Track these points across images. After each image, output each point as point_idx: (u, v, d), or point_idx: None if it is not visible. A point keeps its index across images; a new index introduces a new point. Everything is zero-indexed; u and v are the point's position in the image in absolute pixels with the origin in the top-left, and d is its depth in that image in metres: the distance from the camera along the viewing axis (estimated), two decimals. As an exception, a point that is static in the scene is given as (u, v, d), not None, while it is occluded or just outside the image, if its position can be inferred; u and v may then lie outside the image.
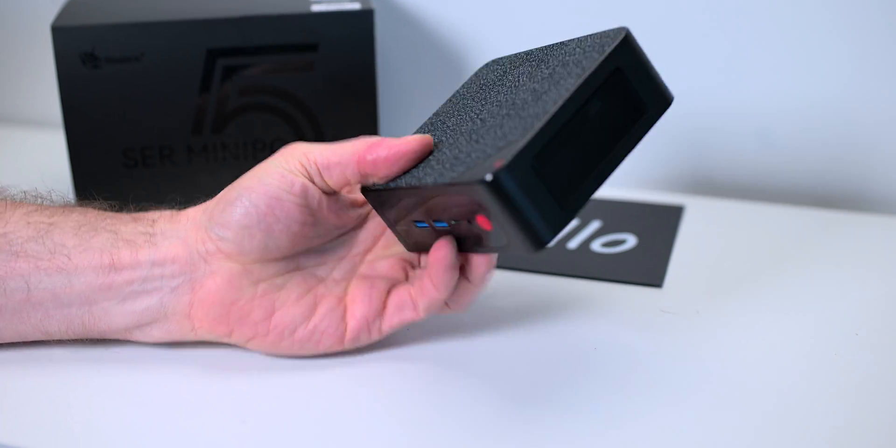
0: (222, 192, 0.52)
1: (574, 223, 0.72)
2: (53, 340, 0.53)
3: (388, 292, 0.53)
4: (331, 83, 0.69)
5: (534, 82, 0.49)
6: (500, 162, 0.43)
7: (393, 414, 0.50)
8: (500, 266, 0.64)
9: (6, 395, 0.51)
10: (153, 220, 0.53)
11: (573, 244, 0.68)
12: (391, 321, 0.53)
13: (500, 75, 0.54)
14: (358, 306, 0.53)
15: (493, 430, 0.48)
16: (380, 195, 0.51)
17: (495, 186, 0.43)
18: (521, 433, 0.48)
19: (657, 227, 0.71)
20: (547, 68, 0.49)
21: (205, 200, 0.54)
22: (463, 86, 0.56)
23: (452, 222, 0.48)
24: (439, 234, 0.50)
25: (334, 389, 0.51)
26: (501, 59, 0.56)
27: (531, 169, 0.44)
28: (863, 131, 0.75)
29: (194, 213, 0.53)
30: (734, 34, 0.75)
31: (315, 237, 0.53)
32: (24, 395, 0.51)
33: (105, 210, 0.55)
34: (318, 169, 0.51)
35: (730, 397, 0.51)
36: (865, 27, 0.72)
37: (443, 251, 0.50)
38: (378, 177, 0.50)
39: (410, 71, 0.82)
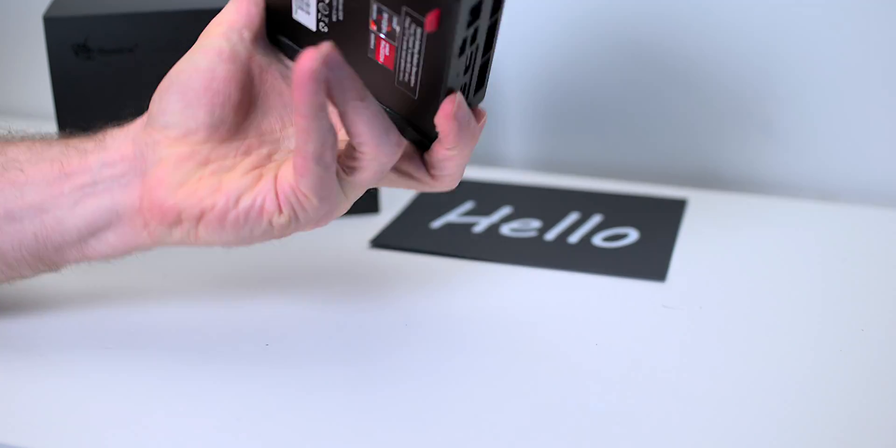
0: (158, 86, 0.52)
1: (575, 217, 0.72)
2: (14, 275, 0.53)
3: None
4: (327, 75, 0.68)
5: None
6: None
7: (390, 412, 0.49)
8: (499, 261, 0.64)
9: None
10: (105, 131, 0.53)
11: (574, 238, 0.68)
12: None
13: None
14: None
15: (491, 429, 0.48)
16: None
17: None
18: (516, 429, 0.48)
19: (659, 220, 0.71)
20: None
21: None
22: None
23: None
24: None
25: (332, 388, 0.51)
26: None
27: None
28: (866, 126, 0.75)
29: (143, 117, 0.53)
30: (738, 27, 0.75)
31: (261, 106, 0.52)
32: (16, 391, 0.51)
33: None
34: (234, 27, 0.51)
35: (733, 394, 0.51)
36: (869, 15, 0.72)
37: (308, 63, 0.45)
38: None
39: None
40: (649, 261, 0.65)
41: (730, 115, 0.77)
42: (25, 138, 0.55)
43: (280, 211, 0.49)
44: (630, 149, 0.80)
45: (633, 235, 0.69)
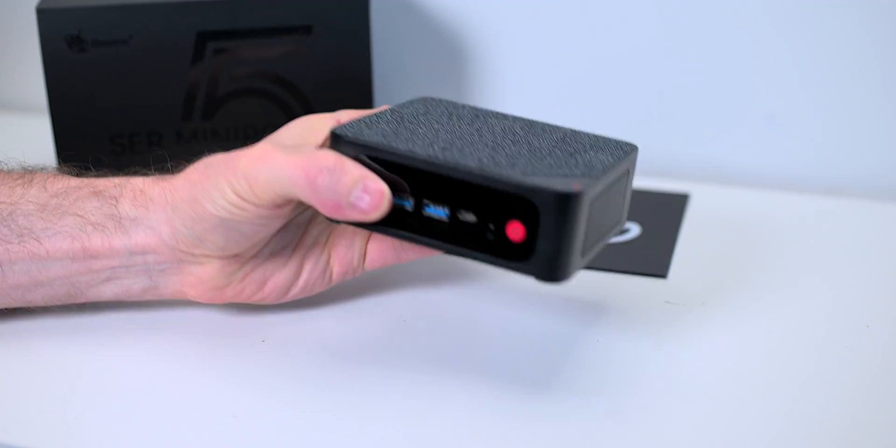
0: (186, 196, 0.50)
1: None
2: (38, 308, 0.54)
3: (370, 234, 0.56)
4: (325, 67, 0.68)
5: (548, 134, 0.53)
6: (578, 185, 0.46)
7: (388, 410, 0.49)
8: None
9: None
10: (115, 199, 0.52)
11: (575, 233, 0.68)
12: (372, 263, 0.56)
13: (473, 117, 0.54)
14: (340, 251, 0.55)
15: (491, 424, 0.48)
16: (364, 152, 0.49)
17: (571, 203, 0.46)
18: (516, 427, 0.48)
19: (661, 215, 0.71)
20: (552, 134, 0.54)
21: (157, 173, 0.54)
22: (401, 104, 0.55)
23: (463, 215, 0.48)
24: (422, 217, 0.49)
25: (329, 385, 0.51)
26: (440, 99, 0.57)
27: (590, 204, 0.47)
28: (870, 119, 0.75)
29: (160, 200, 0.52)
30: (742, 22, 0.75)
31: (292, 215, 0.53)
32: (10, 389, 0.51)
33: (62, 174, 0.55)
34: (255, 193, 0.49)
35: (736, 391, 0.50)
36: (875, 8, 0.72)
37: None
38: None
39: (406, 54, 0.82)
40: (651, 256, 0.64)
41: (732, 108, 0.77)
42: (23, 176, 0.53)
43: (329, 285, 0.56)
44: (632, 142, 0.80)
45: (634, 230, 0.68)
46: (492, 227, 0.47)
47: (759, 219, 0.70)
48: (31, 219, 0.51)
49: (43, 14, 0.64)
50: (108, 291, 0.53)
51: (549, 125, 0.55)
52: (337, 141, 0.49)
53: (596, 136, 0.54)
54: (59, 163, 0.66)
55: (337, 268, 0.55)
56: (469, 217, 0.48)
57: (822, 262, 0.64)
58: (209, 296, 0.53)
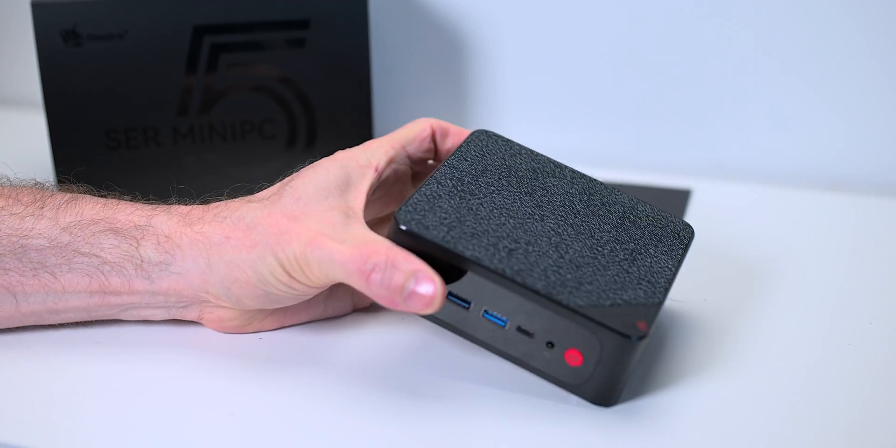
0: (226, 258, 0.50)
1: None
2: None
3: None
4: (323, 61, 0.68)
5: (607, 223, 0.52)
6: (644, 324, 0.46)
7: (386, 408, 0.49)
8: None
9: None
10: (136, 240, 0.51)
11: (575, 229, 0.67)
12: None
13: (531, 175, 0.54)
14: None
15: (484, 426, 0.48)
16: (428, 247, 0.48)
17: (634, 343, 0.46)
18: (515, 429, 0.48)
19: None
20: (610, 211, 0.53)
21: (183, 201, 0.54)
22: (458, 154, 0.54)
23: (523, 329, 0.48)
24: (480, 319, 0.49)
25: (327, 383, 0.51)
26: (497, 136, 0.56)
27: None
28: (873, 114, 0.75)
29: (191, 251, 0.50)
30: (745, 17, 0.75)
31: None
32: (9, 387, 0.50)
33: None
34: (308, 277, 0.49)
35: (738, 388, 0.50)
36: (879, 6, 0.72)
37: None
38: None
39: (405, 48, 0.82)
40: (653, 252, 0.64)
41: (735, 103, 0.77)
42: (34, 201, 0.52)
43: (351, 310, 0.56)
44: (633, 138, 0.80)
45: (636, 226, 0.68)
46: (550, 346, 0.47)
47: (761, 215, 0.70)
48: (44, 254, 0.50)
49: (38, 8, 0.63)
50: (126, 317, 0.53)
51: (605, 189, 0.54)
52: (399, 233, 0.48)
53: (654, 215, 0.54)
54: (56, 167, 0.66)
55: (359, 301, 0.56)
56: (528, 331, 0.48)
57: (825, 258, 0.64)
58: (228, 330, 0.53)
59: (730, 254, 0.64)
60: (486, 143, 0.55)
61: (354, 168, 0.51)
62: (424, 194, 0.49)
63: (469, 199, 0.50)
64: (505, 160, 0.54)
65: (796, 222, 0.69)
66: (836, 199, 0.73)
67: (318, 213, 0.49)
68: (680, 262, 0.51)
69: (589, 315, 0.46)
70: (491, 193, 0.51)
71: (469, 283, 0.47)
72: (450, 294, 0.48)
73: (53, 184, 0.55)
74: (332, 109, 0.69)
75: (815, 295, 0.59)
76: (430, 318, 0.49)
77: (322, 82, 0.68)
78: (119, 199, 0.53)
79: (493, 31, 0.79)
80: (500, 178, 0.52)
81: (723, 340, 0.54)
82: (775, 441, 0.46)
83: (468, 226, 0.48)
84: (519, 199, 0.51)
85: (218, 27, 0.65)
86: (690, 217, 0.70)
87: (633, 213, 0.53)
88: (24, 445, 0.46)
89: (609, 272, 0.48)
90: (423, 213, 0.48)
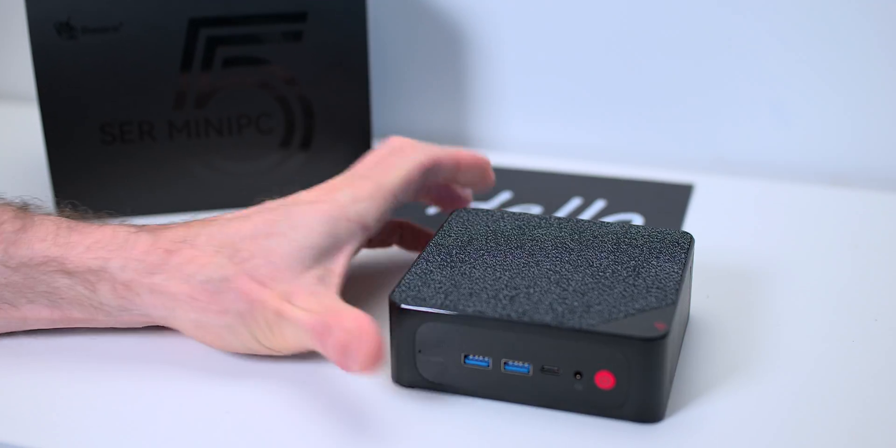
0: (192, 317, 0.49)
1: (577, 202, 0.72)
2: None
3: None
4: (320, 54, 0.67)
5: (602, 251, 0.52)
6: (662, 324, 0.46)
7: (385, 407, 0.49)
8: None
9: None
10: (91, 284, 0.50)
11: (576, 224, 0.67)
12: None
13: (517, 232, 0.54)
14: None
15: (492, 426, 0.48)
16: (431, 318, 0.47)
17: (658, 345, 0.45)
18: (515, 429, 0.47)
19: (665, 206, 0.71)
20: (603, 240, 0.53)
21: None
22: (442, 233, 0.54)
23: (547, 368, 0.47)
24: (503, 374, 0.48)
25: (325, 382, 0.50)
26: (477, 209, 0.56)
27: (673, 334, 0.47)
28: (876, 109, 0.75)
29: (153, 302, 0.49)
30: (746, 12, 0.75)
31: None
32: (9, 387, 0.50)
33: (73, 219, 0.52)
34: (272, 333, 0.49)
35: (740, 386, 0.50)
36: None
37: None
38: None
39: (404, 42, 0.81)
40: (654, 248, 0.64)
41: (737, 98, 0.77)
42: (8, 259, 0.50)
43: None
44: (634, 132, 0.80)
45: (637, 221, 0.68)
46: (579, 377, 0.47)
47: (763, 210, 0.70)
48: (37, 310, 0.51)
49: (32, 1, 0.63)
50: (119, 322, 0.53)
51: (594, 225, 0.54)
52: (400, 313, 0.48)
53: (649, 233, 0.54)
54: (50, 162, 0.65)
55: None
56: (553, 369, 0.47)
57: (828, 253, 0.64)
58: (217, 348, 0.52)
59: (732, 249, 0.64)
60: (467, 218, 0.55)
61: (344, 225, 0.51)
62: (415, 273, 0.50)
63: (460, 267, 0.50)
64: (489, 226, 0.54)
65: (799, 217, 0.69)
66: (840, 194, 0.72)
67: (290, 279, 0.49)
68: (685, 265, 0.51)
69: (604, 331, 0.45)
70: (482, 257, 0.51)
71: (481, 341, 0.47)
72: (466, 357, 0.48)
73: (13, 200, 0.53)
74: (330, 103, 0.68)
75: (817, 290, 0.59)
76: (456, 390, 0.49)
77: (320, 76, 0.67)
78: (78, 221, 0.51)
79: (491, 24, 0.79)
80: (487, 243, 0.53)
81: (723, 338, 0.54)
82: (779, 437, 0.46)
83: (464, 288, 0.48)
84: (510, 254, 0.52)
85: (214, 20, 0.65)
86: (692, 212, 0.70)
87: (627, 236, 0.53)
88: (24, 445, 0.46)
89: (615, 290, 0.48)
90: (417, 289, 0.48)
